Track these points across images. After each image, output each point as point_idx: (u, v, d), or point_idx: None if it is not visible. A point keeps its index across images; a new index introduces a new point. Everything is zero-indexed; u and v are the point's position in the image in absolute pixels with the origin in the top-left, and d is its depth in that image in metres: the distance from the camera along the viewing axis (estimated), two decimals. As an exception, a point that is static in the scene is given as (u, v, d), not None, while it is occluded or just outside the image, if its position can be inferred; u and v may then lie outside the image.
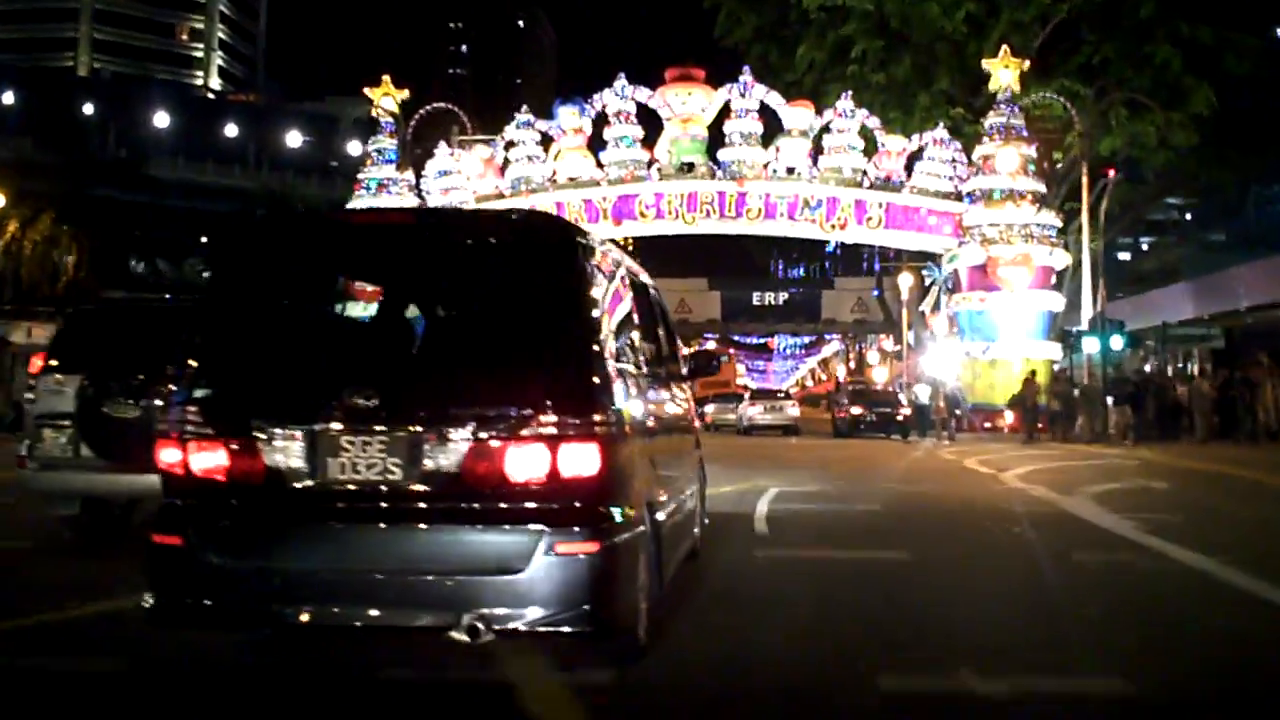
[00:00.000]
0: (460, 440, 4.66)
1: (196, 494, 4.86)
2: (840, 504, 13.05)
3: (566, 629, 4.61)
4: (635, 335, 5.93)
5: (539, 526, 4.59)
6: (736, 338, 73.97)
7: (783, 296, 68.11)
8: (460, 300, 5.48)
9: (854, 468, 19.53)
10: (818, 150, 36.47)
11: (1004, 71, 34.29)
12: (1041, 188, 34.73)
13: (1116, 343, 30.48)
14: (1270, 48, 36.16)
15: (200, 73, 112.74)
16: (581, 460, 4.64)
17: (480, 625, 4.50)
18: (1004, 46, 34.51)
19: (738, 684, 5.15)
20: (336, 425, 4.74)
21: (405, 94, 40.39)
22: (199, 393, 4.98)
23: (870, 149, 36.61)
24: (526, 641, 4.89)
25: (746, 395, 40.97)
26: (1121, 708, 4.85)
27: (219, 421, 4.87)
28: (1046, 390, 30.68)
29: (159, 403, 7.99)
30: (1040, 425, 29.52)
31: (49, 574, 8.01)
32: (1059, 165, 37.71)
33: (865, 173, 36.26)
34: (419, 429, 4.69)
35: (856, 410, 34.21)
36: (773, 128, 37.21)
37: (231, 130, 79.03)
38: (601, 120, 38.18)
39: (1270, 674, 5.42)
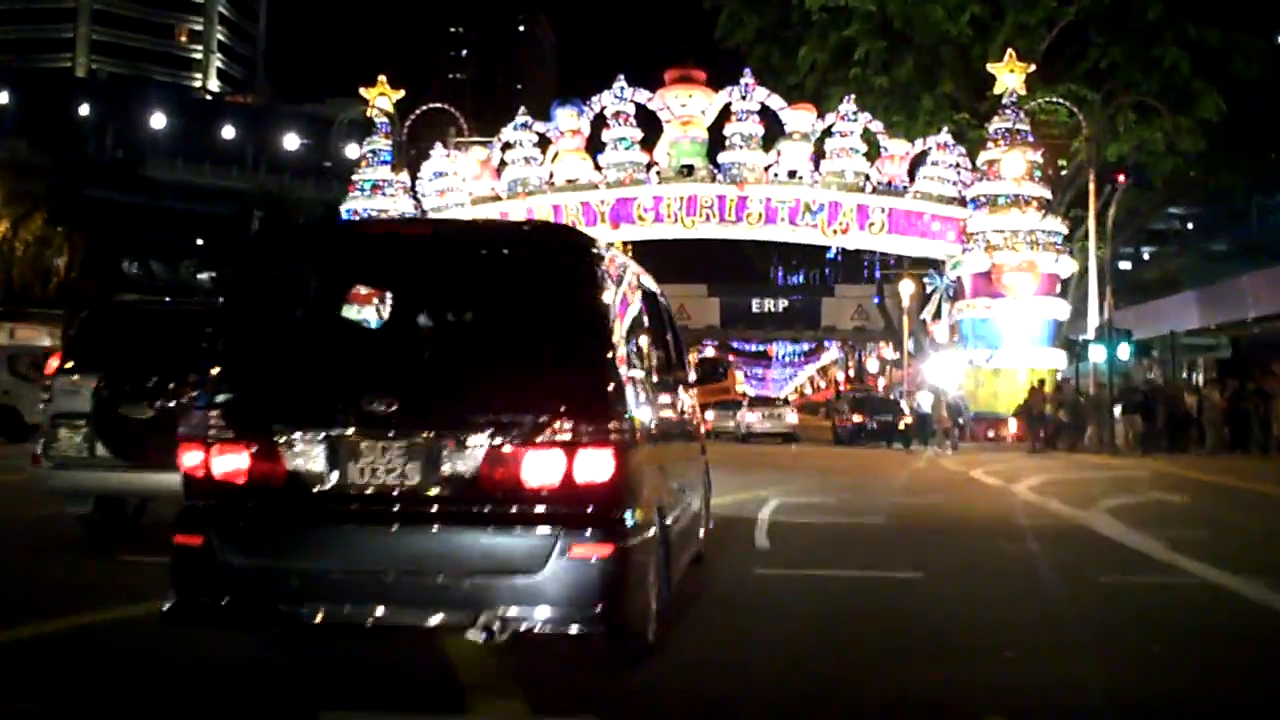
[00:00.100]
0: (477, 445, 4.78)
1: (218, 496, 4.99)
2: (844, 516, 12.39)
3: (580, 629, 4.72)
4: (646, 342, 6.02)
5: (554, 530, 4.72)
6: (735, 344, 73.48)
7: (782, 303, 67.52)
8: (476, 308, 5.65)
9: (856, 478, 18.86)
10: (819, 154, 35.79)
11: (1009, 75, 33.62)
12: (1047, 193, 34.10)
13: (1124, 352, 29.81)
14: (1279, 50, 35.59)
15: (199, 75, 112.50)
16: (596, 466, 4.76)
17: (496, 625, 4.61)
18: (1009, 50, 33.87)
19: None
20: (356, 430, 4.87)
21: (401, 94, 39.77)
22: (221, 397, 5.10)
23: (873, 153, 35.95)
24: (539, 641, 4.92)
25: (745, 402, 40.43)
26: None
27: (241, 426, 5.00)
28: (1052, 399, 30.02)
29: (172, 403, 8.30)
30: (1043, 435, 28.86)
31: (61, 575, 8.01)
32: (1064, 172, 37.17)
33: (868, 177, 35.58)
34: (437, 434, 4.82)
35: (857, 418, 33.64)
36: (774, 131, 36.53)
37: (229, 132, 78.73)
38: (600, 122, 37.50)
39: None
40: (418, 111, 41.39)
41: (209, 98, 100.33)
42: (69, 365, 9.26)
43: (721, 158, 36.42)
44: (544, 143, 38.19)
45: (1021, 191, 33.37)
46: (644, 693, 5.09)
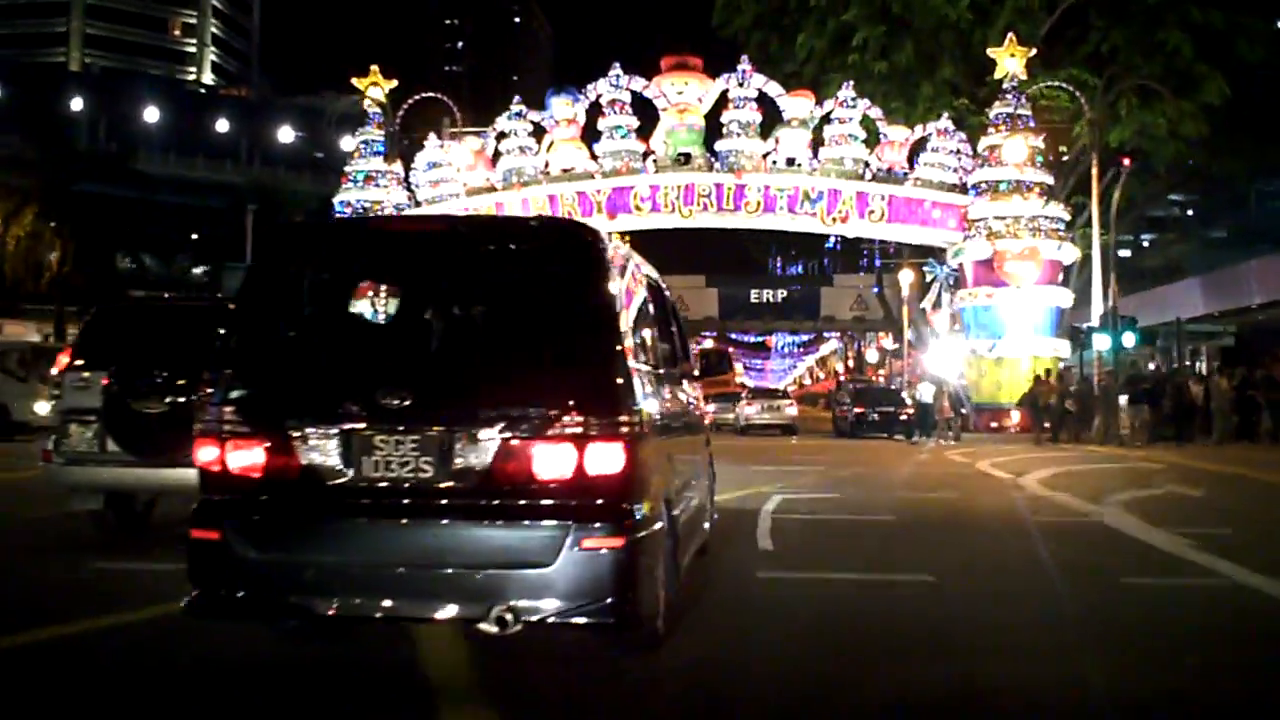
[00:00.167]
0: (490, 439, 4.83)
1: (234, 490, 5.04)
2: (850, 514, 11.92)
3: (591, 620, 4.76)
4: (653, 336, 6.09)
5: (566, 522, 4.76)
6: (734, 336, 72.99)
7: (781, 294, 66.94)
8: (489, 304, 5.68)
9: (860, 471, 18.35)
10: (818, 141, 35.30)
11: (1010, 59, 33.14)
12: (1049, 179, 33.61)
13: (1129, 340, 29.36)
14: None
15: (193, 68, 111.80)
16: (607, 459, 4.81)
17: (509, 617, 4.66)
18: (1009, 34, 33.37)
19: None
20: (370, 424, 4.92)
21: (394, 84, 39.17)
22: (236, 393, 5.15)
23: (872, 140, 35.49)
24: (551, 632, 5.00)
25: (744, 394, 39.98)
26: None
27: (256, 421, 5.06)
28: (1060, 389, 29.49)
29: (182, 399, 8.37)
30: (1048, 425, 28.38)
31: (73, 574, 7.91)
32: (1065, 158, 36.70)
33: (867, 164, 35.12)
34: (450, 428, 4.87)
35: (859, 409, 33.14)
36: (772, 118, 36.02)
37: (223, 125, 78.09)
38: (595, 110, 36.96)
39: None
40: (410, 101, 40.81)
41: (203, 91, 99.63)
42: (79, 362, 9.34)
43: (719, 146, 35.89)
44: (539, 132, 37.70)
45: (1023, 177, 32.86)
46: (644, 693, 5.05)
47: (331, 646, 5.71)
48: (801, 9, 38.17)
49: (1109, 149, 33.49)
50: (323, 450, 4.94)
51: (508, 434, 4.81)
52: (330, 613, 4.90)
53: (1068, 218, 33.94)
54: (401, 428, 4.88)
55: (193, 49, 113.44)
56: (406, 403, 4.88)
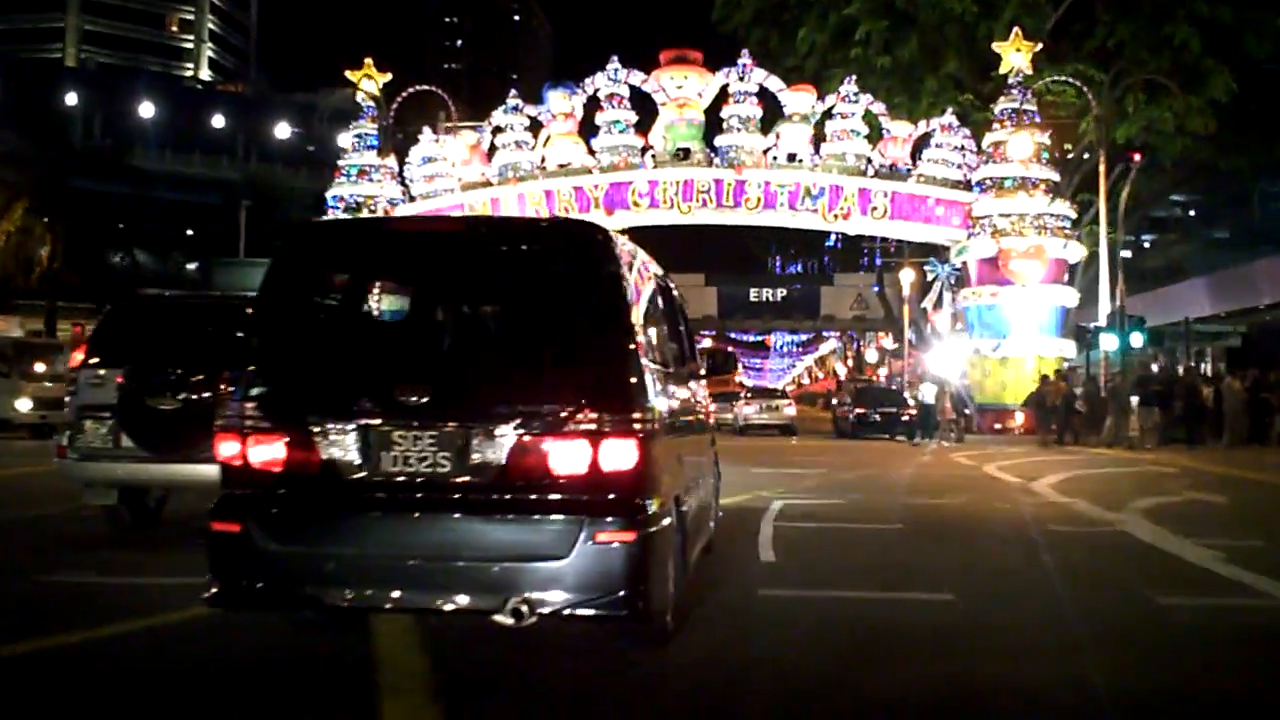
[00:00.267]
0: (506, 435, 4.94)
1: (254, 484, 5.14)
2: (856, 522, 11.29)
3: (604, 613, 4.88)
4: (662, 335, 6.19)
5: (580, 517, 4.86)
6: (733, 335, 72.46)
7: (781, 293, 66.43)
8: (504, 302, 5.94)
9: (863, 474, 17.72)
10: (820, 137, 34.70)
11: (1015, 54, 32.49)
12: (1055, 176, 32.97)
13: (1137, 340, 28.71)
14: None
15: (190, 64, 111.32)
16: (620, 455, 4.91)
17: (524, 608, 4.76)
18: (1015, 28, 32.73)
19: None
20: (388, 420, 5.03)
21: (388, 77, 38.49)
22: (256, 389, 5.23)
23: (875, 136, 34.89)
24: (559, 625, 5.12)
25: (743, 394, 39.40)
26: None
27: (276, 417, 5.16)
28: (1068, 390, 28.88)
29: (196, 396, 8.59)
30: (1055, 427, 27.77)
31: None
32: (1070, 155, 36.11)
33: (870, 160, 34.50)
34: (467, 424, 4.98)
35: (860, 410, 32.54)
36: (773, 113, 35.42)
37: (220, 121, 77.63)
38: (593, 105, 36.38)
39: None
40: (404, 94, 40.20)
41: (199, 87, 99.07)
42: (94, 359, 9.42)
43: (719, 141, 35.27)
44: (536, 126, 37.12)
45: (1029, 174, 32.21)
46: (651, 688, 5.14)
47: (343, 638, 5.77)
48: (802, 3, 37.59)
49: (1115, 145, 32.92)
50: (342, 445, 5.04)
51: (523, 430, 4.92)
52: (345, 604, 5.02)
53: (1074, 215, 33.32)
54: (419, 424, 4.99)
55: (190, 45, 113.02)
56: (425, 399, 4.99)
